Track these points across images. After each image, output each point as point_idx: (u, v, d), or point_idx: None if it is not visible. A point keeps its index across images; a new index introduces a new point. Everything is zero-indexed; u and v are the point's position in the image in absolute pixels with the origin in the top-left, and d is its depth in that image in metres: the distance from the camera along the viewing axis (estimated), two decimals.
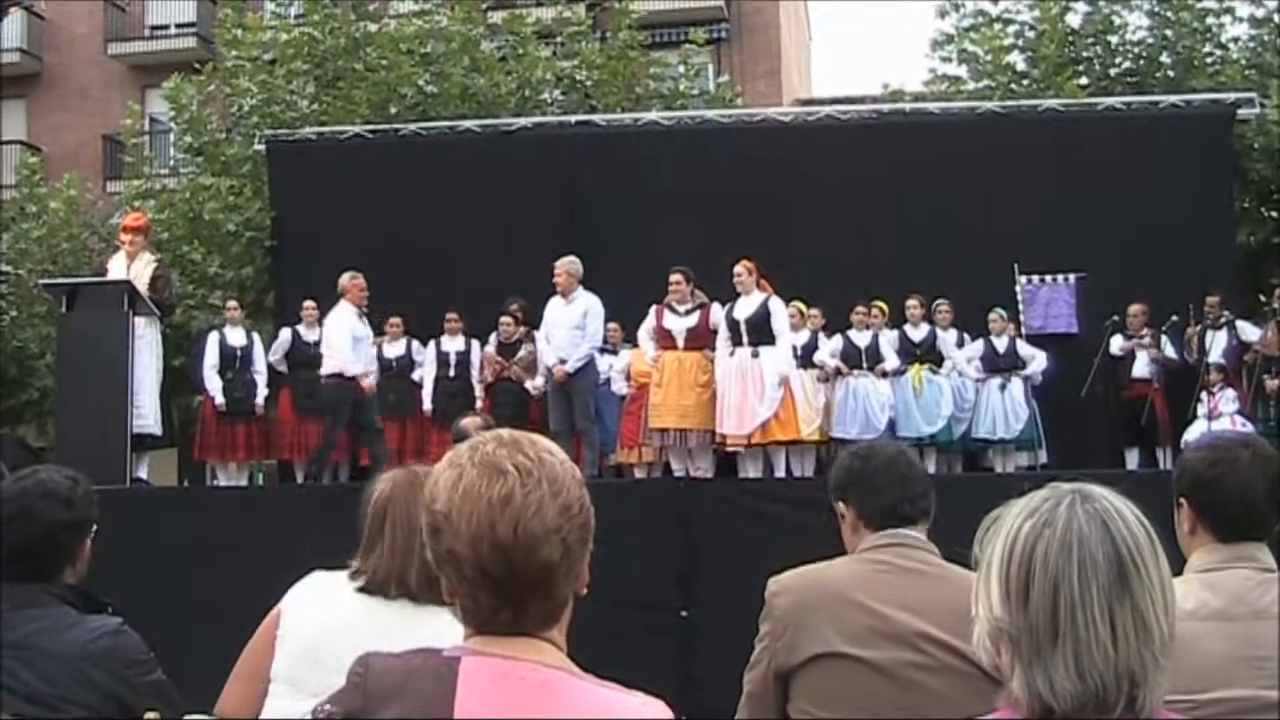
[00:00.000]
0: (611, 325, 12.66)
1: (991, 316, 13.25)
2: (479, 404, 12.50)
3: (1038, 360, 13.08)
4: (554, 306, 11.73)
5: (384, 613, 3.20)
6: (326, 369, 12.15)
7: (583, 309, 11.60)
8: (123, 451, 10.23)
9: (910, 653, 3.02)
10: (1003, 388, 12.91)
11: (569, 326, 11.57)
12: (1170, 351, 13.05)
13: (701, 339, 11.39)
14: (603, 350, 12.55)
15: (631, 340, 12.46)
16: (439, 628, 3.16)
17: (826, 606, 3.13)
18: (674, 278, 11.43)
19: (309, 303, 13.78)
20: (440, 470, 1.97)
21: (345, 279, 12.17)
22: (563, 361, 11.46)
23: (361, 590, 3.24)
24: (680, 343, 11.37)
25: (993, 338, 13.22)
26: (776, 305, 11.34)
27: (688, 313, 11.41)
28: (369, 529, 3.27)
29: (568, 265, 11.67)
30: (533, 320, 12.45)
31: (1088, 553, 1.77)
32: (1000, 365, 13.06)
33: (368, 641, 3.05)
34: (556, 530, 1.89)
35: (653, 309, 11.60)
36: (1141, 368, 13.05)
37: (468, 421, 7.76)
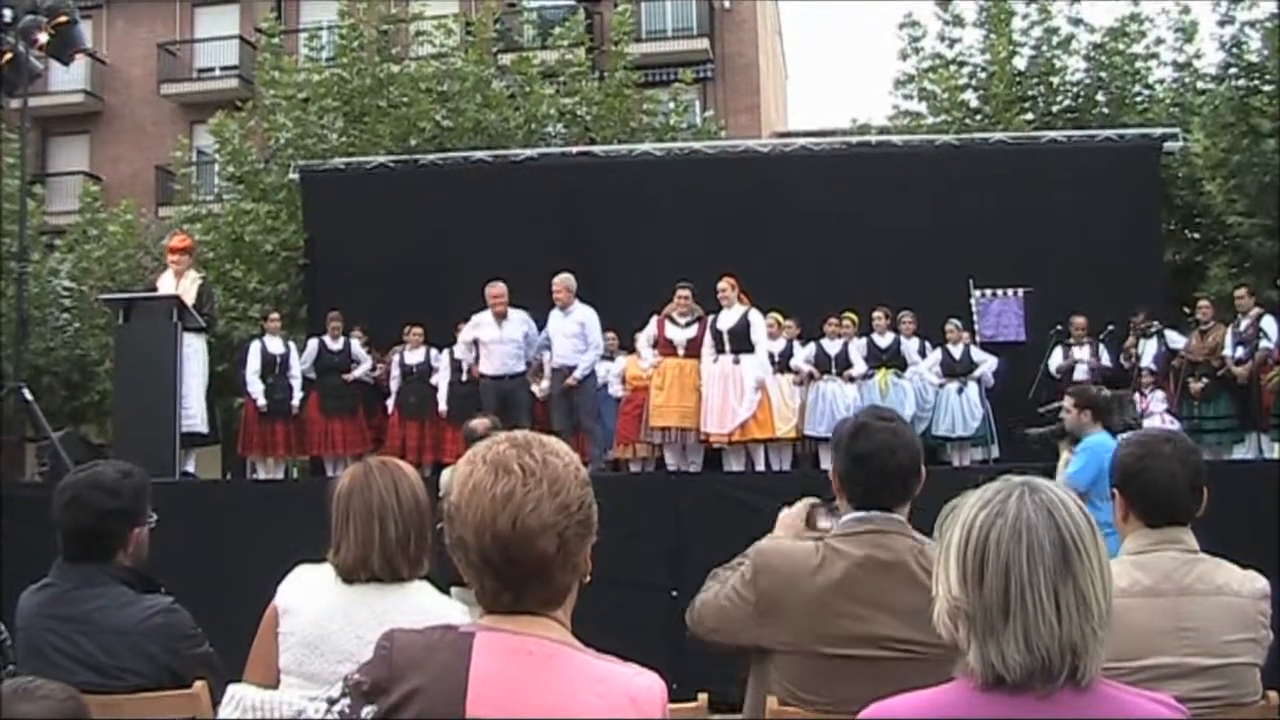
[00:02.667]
0: (609, 335, 12.65)
1: (948, 326, 13.26)
2: None
3: (988, 363, 13.11)
4: (554, 319, 11.70)
5: (370, 597, 3.19)
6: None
7: (580, 320, 11.58)
8: (172, 448, 10.20)
9: (880, 650, 2.94)
10: (960, 391, 12.93)
11: (569, 335, 11.55)
12: (1105, 358, 13.08)
13: (698, 348, 11.41)
14: (600, 357, 12.55)
15: (627, 348, 12.45)
16: (423, 602, 3.22)
17: (806, 609, 3.03)
18: (681, 293, 11.44)
19: (333, 314, 13.81)
20: (459, 465, 2.00)
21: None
22: (570, 369, 11.44)
23: (340, 580, 3.22)
24: (680, 351, 11.39)
25: (949, 346, 13.23)
26: (756, 317, 11.35)
27: (688, 324, 11.43)
28: (335, 523, 3.24)
29: (566, 281, 11.64)
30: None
31: (1035, 539, 1.78)
32: (957, 370, 13.07)
33: (363, 627, 3.11)
34: (553, 526, 1.90)
35: (653, 319, 11.59)
36: (1081, 372, 13.07)
37: (477, 422, 7.78)
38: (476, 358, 12.06)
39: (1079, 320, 13.08)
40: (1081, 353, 13.09)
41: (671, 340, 11.44)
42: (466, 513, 1.92)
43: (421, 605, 3.19)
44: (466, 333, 12.10)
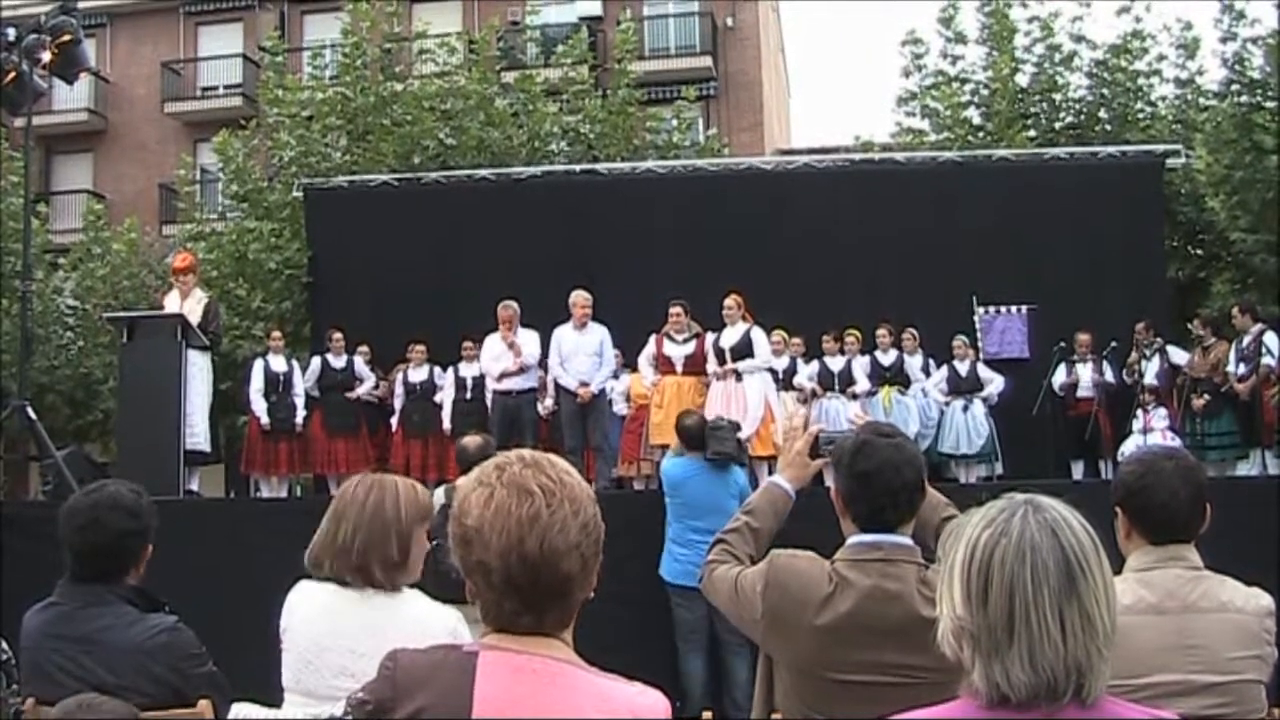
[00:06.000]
0: (615, 352, 12.66)
1: (955, 343, 13.27)
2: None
3: (995, 383, 13.09)
4: (570, 336, 11.68)
5: (361, 609, 3.22)
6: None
7: (599, 338, 11.59)
8: (176, 466, 10.19)
9: (884, 675, 2.93)
10: (965, 408, 12.92)
11: (588, 354, 11.54)
12: (1109, 374, 13.07)
13: (697, 365, 11.36)
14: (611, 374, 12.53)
15: (631, 365, 12.42)
16: (414, 611, 3.27)
17: (811, 641, 3.01)
18: (674, 310, 11.42)
19: (337, 334, 13.81)
20: (470, 487, 1.97)
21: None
22: (585, 384, 11.45)
23: (336, 586, 3.26)
24: (679, 368, 11.35)
25: (955, 362, 13.23)
26: (758, 335, 11.32)
27: (685, 341, 11.40)
28: (326, 530, 3.29)
29: (587, 298, 11.65)
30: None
31: (1039, 559, 1.78)
32: (963, 387, 13.06)
33: (355, 640, 3.16)
34: (576, 546, 1.90)
35: (652, 338, 11.56)
36: (1085, 389, 13.07)
37: (468, 440, 7.75)
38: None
39: (1083, 337, 13.09)
40: (1085, 369, 13.09)
41: (670, 357, 11.43)
42: (490, 536, 1.90)
43: (414, 614, 3.24)
44: (486, 363, 12.04)
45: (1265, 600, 3.15)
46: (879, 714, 2.00)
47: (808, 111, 71.06)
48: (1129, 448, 11.58)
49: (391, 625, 3.11)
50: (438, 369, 13.56)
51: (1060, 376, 13.09)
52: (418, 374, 13.63)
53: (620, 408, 12.75)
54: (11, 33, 9.85)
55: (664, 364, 11.43)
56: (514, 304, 11.86)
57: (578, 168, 16.96)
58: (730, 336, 11.26)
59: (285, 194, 18.16)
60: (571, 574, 1.91)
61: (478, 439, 7.70)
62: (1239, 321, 12.29)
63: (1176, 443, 11.28)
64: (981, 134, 18.73)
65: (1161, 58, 18.92)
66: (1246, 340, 12.10)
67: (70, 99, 26.95)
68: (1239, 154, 15.69)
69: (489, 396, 12.23)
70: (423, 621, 3.19)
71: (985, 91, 19.11)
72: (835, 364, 12.87)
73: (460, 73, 20.01)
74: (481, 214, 15.24)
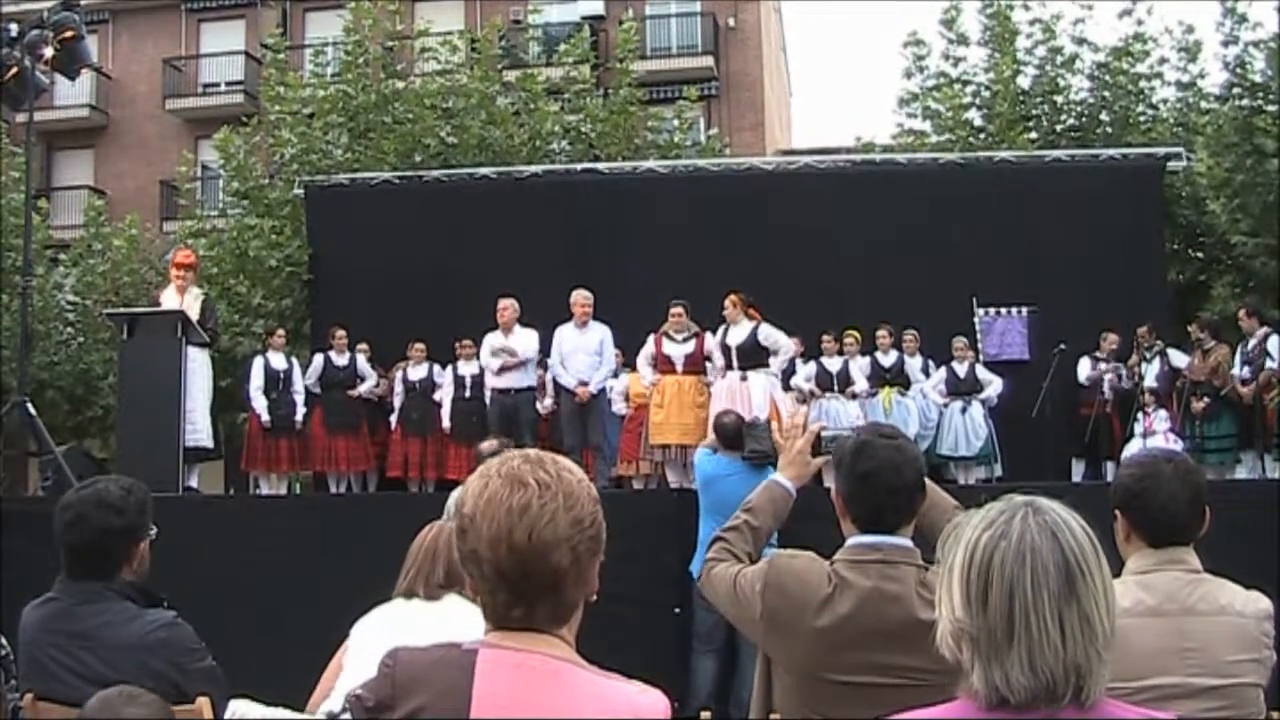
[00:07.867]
0: (615, 351, 12.66)
1: (955, 343, 13.25)
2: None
3: (994, 385, 13.08)
4: (570, 335, 11.69)
5: (409, 610, 3.66)
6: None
7: (599, 337, 11.61)
8: (175, 463, 10.17)
9: (883, 677, 2.91)
10: (964, 410, 12.92)
11: (588, 353, 11.56)
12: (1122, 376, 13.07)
13: (697, 364, 11.35)
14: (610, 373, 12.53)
15: (631, 365, 12.41)
16: (449, 610, 3.62)
17: (811, 642, 2.99)
18: (675, 310, 11.41)
19: (340, 331, 13.81)
20: (471, 479, 2.00)
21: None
22: (584, 384, 11.45)
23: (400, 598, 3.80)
24: (679, 368, 11.34)
25: (955, 364, 13.23)
26: (766, 331, 11.29)
27: (685, 340, 11.40)
28: (406, 561, 3.92)
29: (588, 297, 11.67)
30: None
31: (1039, 561, 1.78)
32: (962, 389, 13.05)
33: (403, 629, 3.31)
34: (567, 539, 1.90)
35: (651, 337, 11.56)
36: (1109, 385, 13.05)
37: (485, 445, 7.78)
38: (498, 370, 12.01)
39: (1112, 336, 13.08)
40: (1108, 367, 13.07)
41: (669, 357, 11.42)
42: (481, 525, 1.91)
43: (448, 614, 3.59)
44: (485, 359, 12.05)
45: (1264, 603, 3.14)
46: (877, 715, 1.99)
47: (809, 112, 71.21)
48: (1131, 451, 11.57)
49: (432, 619, 3.52)
50: (437, 367, 13.56)
51: (1085, 369, 13.07)
52: (417, 372, 13.63)
53: (619, 407, 12.74)
54: (14, 28, 9.84)
55: (664, 363, 11.42)
56: (513, 301, 11.87)
57: (579, 167, 16.94)
58: (736, 335, 11.24)
59: (286, 191, 18.15)
60: (561, 567, 1.91)
61: (493, 443, 7.72)
62: (1245, 324, 12.27)
63: (1180, 445, 11.28)
64: (983, 136, 18.74)
65: (1163, 60, 18.94)
66: (1252, 343, 12.08)
67: (72, 95, 26.99)
68: (1240, 157, 15.70)
69: (488, 395, 12.23)
70: (456, 617, 3.44)
71: (987, 93, 19.11)
72: (833, 365, 12.87)
73: (462, 71, 19.99)
74: (482, 213, 15.23)
